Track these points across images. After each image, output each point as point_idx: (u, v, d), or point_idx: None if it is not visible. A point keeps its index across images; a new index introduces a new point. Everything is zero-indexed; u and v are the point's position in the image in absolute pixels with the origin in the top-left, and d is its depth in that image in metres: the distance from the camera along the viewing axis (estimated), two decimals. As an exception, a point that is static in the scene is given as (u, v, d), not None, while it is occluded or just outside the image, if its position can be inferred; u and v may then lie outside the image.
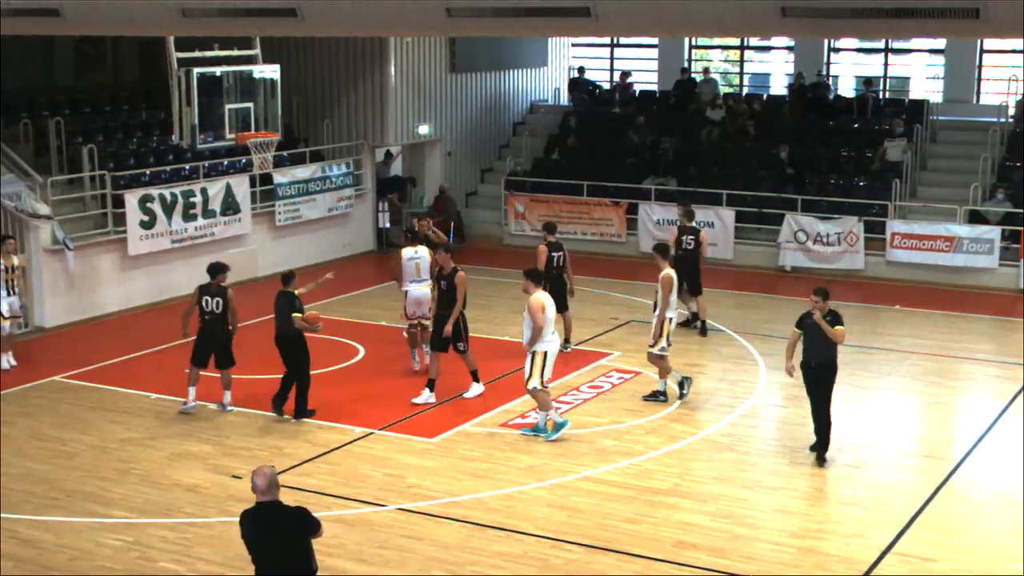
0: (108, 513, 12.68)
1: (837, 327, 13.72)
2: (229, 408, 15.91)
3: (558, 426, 14.87)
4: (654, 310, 16.11)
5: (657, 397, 16.22)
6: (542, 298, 14.69)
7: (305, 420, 15.45)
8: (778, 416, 16.23)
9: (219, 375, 15.89)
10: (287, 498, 12.87)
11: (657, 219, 25.97)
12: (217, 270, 15.75)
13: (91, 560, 11.60)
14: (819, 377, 13.94)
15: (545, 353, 14.67)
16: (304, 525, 8.55)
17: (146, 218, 21.48)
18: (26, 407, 16.23)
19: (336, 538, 12.01)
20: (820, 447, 14.09)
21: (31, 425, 15.50)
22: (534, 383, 14.69)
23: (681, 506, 12.88)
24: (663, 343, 16.01)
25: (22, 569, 11.42)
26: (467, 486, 13.41)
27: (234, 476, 13.63)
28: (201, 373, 15.89)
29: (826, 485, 13.52)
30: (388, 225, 27.13)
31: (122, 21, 12.45)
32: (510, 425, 15.25)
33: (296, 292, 15.56)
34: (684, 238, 19.62)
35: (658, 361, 16.23)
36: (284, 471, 13.73)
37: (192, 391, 15.88)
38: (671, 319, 16.14)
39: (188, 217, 22.29)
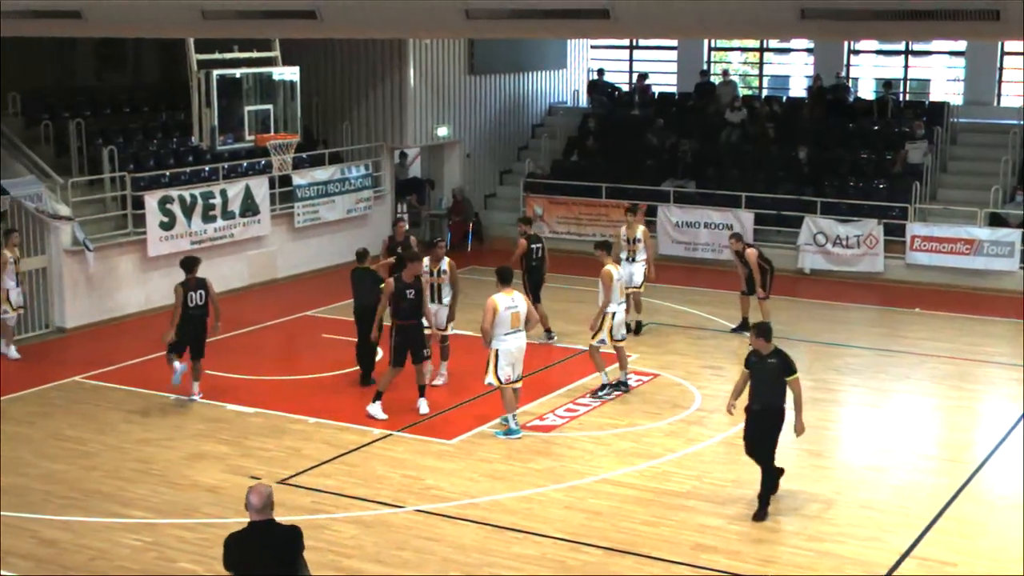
0: (127, 513, 12.72)
1: (793, 376, 12.45)
2: (198, 397, 16.33)
3: (510, 431, 14.97)
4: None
5: (604, 390, 16.46)
6: (496, 299, 14.76)
7: (323, 421, 15.52)
8: (797, 419, 16.19)
9: (193, 365, 16.38)
10: (305, 499, 12.99)
11: (676, 221, 25.95)
12: (192, 264, 16.32)
13: (110, 560, 11.64)
14: (763, 423, 12.52)
15: (497, 351, 14.71)
16: (298, 543, 8.30)
17: (166, 219, 21.56)
18: (46, 407, 16.30)
19: (354, 539, 12.04)
20: (764, 493, 12.68)
21: (51, 425, 15.57)
22: (488, 379, 14.86)
23: (700, 509, 12.86)
24: (602, 335, 16.29)
25: (42, 568, 11.47)
26: (485, 488, 13.42)
27: (253, 477, 13.66)
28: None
29: (845, 488, 13.47)
30: (407, 227, 27.14)
31: (142, 23, 12.49)
32: (528, 427, 15.25)
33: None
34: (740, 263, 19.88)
35: (595, 355, 16.49)
36: (302, 472, 13.78)
37: (178, 364, 16.11)
38: (613, 314, 16.30)
39: (207, 218, 22.36)
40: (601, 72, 31.63)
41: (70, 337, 20.03)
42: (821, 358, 18.67)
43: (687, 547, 11.92)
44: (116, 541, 12.02)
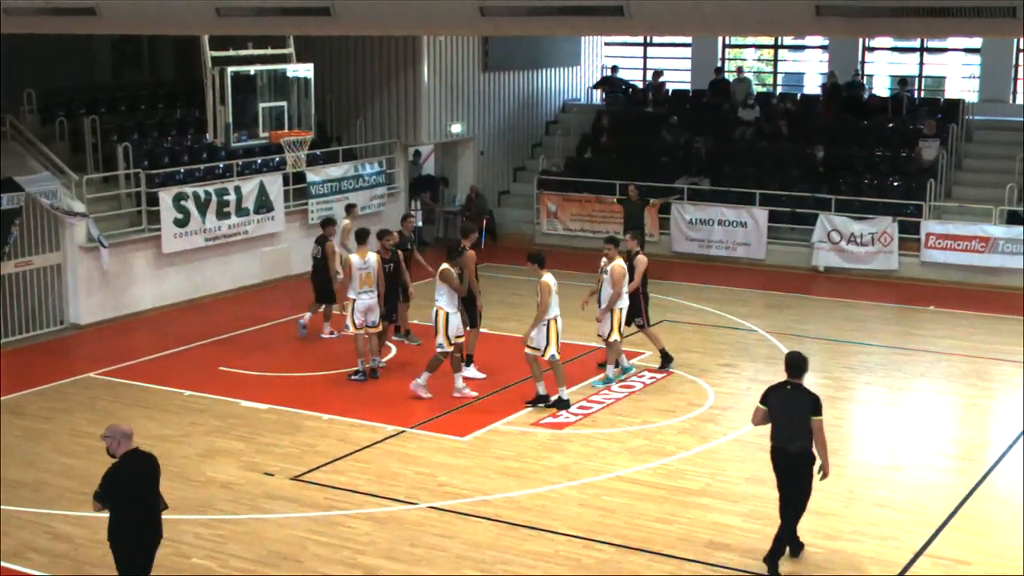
0: (142, 509, 12.73)
1: (816, 418, 11.06)
2: (327, 335, 19.50)
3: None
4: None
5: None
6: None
7: (337, 418, 15.56)
8: (811, 417, 16.15)
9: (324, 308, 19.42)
10: (319, 496, 13.03)
11: (690, 219, 25.92)
12: (325, 223, 19.78)
13: (125, 556, 11.66)
14: (797, 466, 11.25)
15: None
16: (157, 466, 10.05)
17: (180, 216, 21.61)
18: (62, 403, 16.36)
19: (367, 536, 12.06)
20: (793, 548, 11.62)
21: (68, 421, 15.63)
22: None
23: (713, 506, 12.85)
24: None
25: (57, 564, 11.52)
26: (498, 485, 13.42)
27: (267, 473, 13.70)
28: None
29: (860, 487, 13.44)
30: (420, 224, 27.18)
31: (157, 20, 12.53)
32: (541, 424, 15.25)
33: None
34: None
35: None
36: (315, 468, 13.80)
37: (327, 325, 19.60)
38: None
39: (222, 215, 22.40)
40: (615, 68, 31.56)
41: (85, 333, 20.09)
42: (835, 356, 18.63)
43: (700, 545, 11.92)
44: (131, 537, 12.03)
